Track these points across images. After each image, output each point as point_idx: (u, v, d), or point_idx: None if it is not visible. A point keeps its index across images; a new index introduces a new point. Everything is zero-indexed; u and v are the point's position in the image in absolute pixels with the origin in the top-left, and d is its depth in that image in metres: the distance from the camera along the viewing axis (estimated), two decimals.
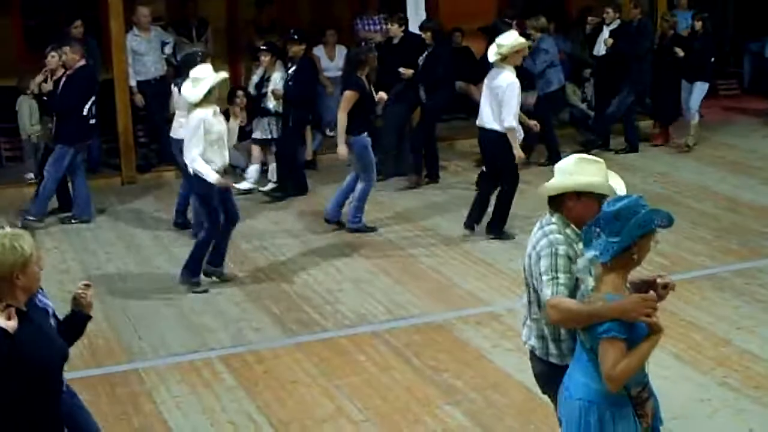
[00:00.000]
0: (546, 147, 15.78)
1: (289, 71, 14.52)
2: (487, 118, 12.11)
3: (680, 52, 16.45)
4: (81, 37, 14.90)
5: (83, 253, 12.26)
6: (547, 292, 5.56)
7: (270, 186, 14.58)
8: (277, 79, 14.44)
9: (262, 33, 17.43)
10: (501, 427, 7.93)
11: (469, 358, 9.14)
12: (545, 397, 8.22)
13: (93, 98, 13.46)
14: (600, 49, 16.76)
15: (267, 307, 10.43)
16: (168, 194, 14.53)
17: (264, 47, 14.91)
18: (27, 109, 14.91)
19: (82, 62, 13.34)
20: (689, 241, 11.87)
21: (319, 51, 16.82)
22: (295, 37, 14.67)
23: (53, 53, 13.43)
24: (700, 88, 16.70)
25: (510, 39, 12.01)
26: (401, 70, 14.99)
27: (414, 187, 14.89)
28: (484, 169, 12.79)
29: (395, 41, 15.46)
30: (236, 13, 18.43)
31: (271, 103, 14.41)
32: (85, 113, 13.32)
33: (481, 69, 14.31)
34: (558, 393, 5.70)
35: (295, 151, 14.81)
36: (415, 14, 16.21)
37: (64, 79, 13.27)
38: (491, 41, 12.81)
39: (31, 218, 13.18)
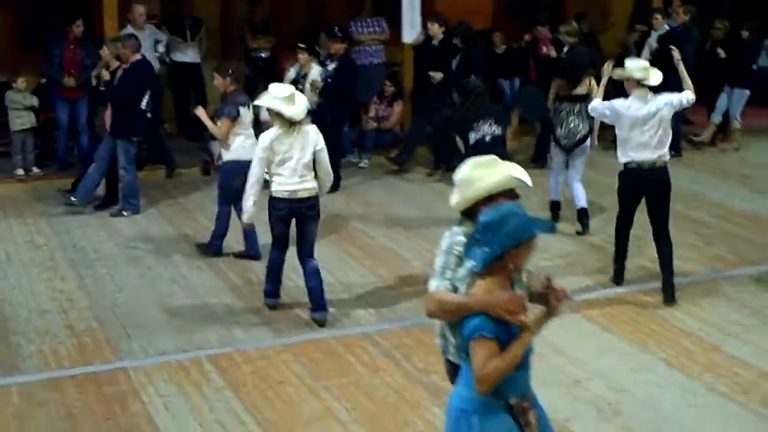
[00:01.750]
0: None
1: (329, 67, 14.62)
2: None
3: (722, 53, 16.88)
4: (81, 36, 14.93)
5: (71, 250, 12.23)
6: (431, 284, 5.59)
7: None
8: (315, 74, 14.50)
9: (256, 32, 17.51)
10: None
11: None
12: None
13: (149, 92, 13.61)
14: (645, 53, 16.84)
15: (257, 308, 10.40)
16: (158, 192, 14.56)
17: (301, 45, 14.93)
18: (16, 104, 14.89)
19: (138, 56, 13.47)
20: (680, 248, 11.80)
21: None
22: (339, 35, 14.99)
23: (105, 47, 13.72)
24: (742, 95, 17.01)
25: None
26: (431, 73, 15.11)
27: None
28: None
29: (435, 42, 15.59)
30: (230, 12, 18.45)
31: (309, 99, 14.46)
32: (143, 106, 13.49)
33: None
34: None
35: (338, 149, 14.66)
36: (411, 14, 16.25)
37: (120, 71, 13.40)
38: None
39: (74, 200, 13.67)
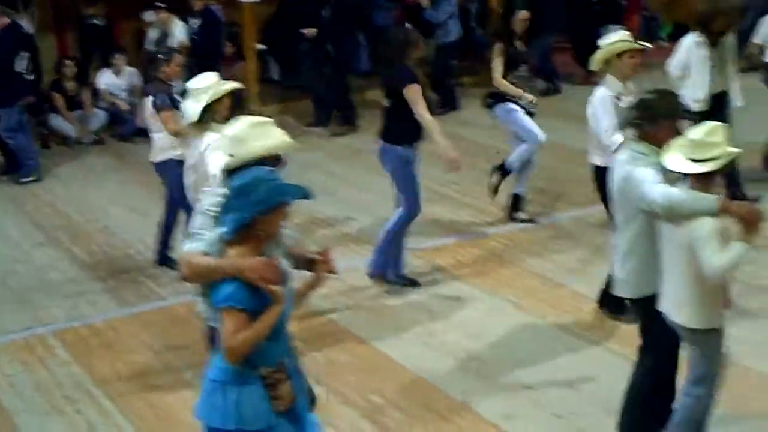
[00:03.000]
0: (440, 95, 15.94)
1: (193, 24, 14.39)
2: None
3: None
4: None
5: None
6: (185, 246, 5.38)
7: None
8: (180, 34, 14.24)
9: (90, 1, 17.06)
10: (340, 383, 7.90)
11: (307, 319, 9.03)
12: (390, 355, 8.34)
13: (27, 55, 13.32)
14: None
15: (102, 280, 10.23)
16: None
17: (160, 3, 14.75)
18: None
19: (6, 20, 13.16)
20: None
21: (149, 15, 16.44)
22: None
23: None
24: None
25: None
26: (304, 31, 15.00)
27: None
28: None
29: None
30: None
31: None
32: (20, 70, 13.23)
33: None
34: None
35: None
36: None
37: None
38: None
39: None
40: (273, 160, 5.47)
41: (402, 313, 9.12)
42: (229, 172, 5.37)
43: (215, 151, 5.60)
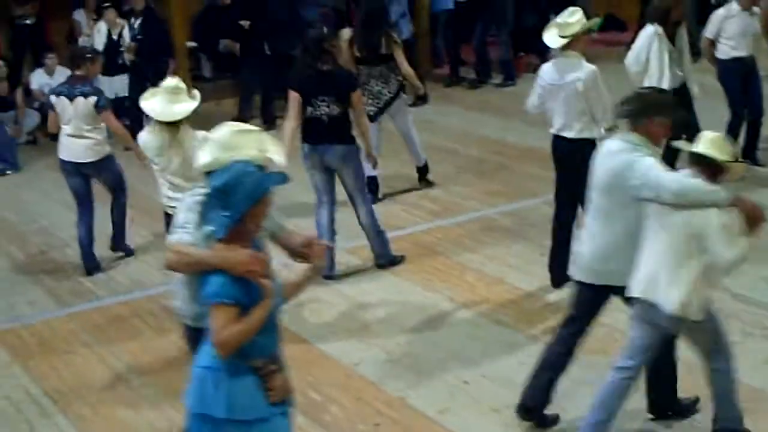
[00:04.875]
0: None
1: (135, 24, 14.36)
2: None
3: None
4: None
5: None
6: (172, 237, 5.48)
7: None
8: (127, 37, 14.28)
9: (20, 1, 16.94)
10: None
11: None
12: (324, 348, 8.38)
13: None
14: None
15: (40, 280, 10.24)
16: None
17: (106, 4, 14.80)
18: None
19: None
20: (458, 186, 12.10)
21: (79, 15, 16.41)
22: None
23: None
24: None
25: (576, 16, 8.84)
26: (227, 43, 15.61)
27: None
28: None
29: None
30: None
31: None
32: None
33: None
34: None
35: None
36: None
37: None
38: None
39: None
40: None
41: (336, 308, 9.20)
42: (207, 173, 5.40)
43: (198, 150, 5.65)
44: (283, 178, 5.16)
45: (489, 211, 11.54)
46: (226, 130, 5.52)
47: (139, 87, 13.50)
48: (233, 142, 5.42)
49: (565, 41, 8.64)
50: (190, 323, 5.86)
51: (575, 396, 7.14)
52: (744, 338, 8.16)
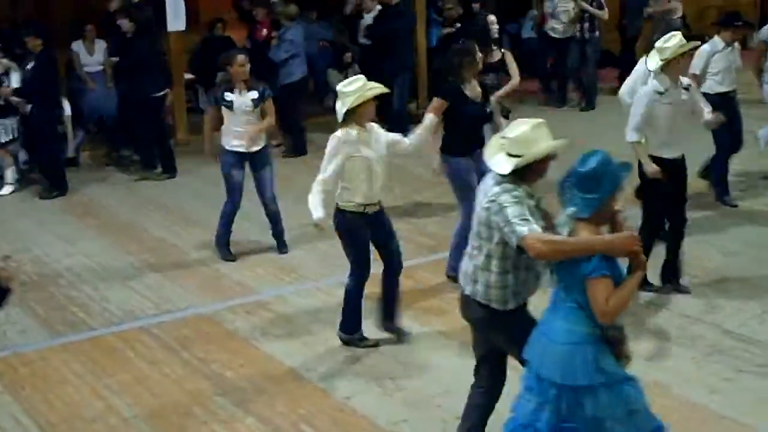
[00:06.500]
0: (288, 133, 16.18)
1: (27, 67, 14.07)
2: None
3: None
4: None
5: None
6: (522, 230, 5.80)
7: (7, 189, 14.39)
8: (15, 81, 14.07)
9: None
10: (270, 412, 7.95)
11: (238, 347, 9.13)
12: (317, 382, 8.38)
13: None
14: (360, 37, 17.05)
15: (32, 309, 10.20)
16: None
17: None
18: None
19: None
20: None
21: (78, 46, 16.44)
22: (32, 29, 14.12)
23: None
24: None
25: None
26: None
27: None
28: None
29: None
30: None
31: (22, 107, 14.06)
32: None
33: None
34: (513, 337, 6.26)
35: (55, 150, 14.40)
36: (174, 7, 16.11)
37: None
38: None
39: None
40: (551, 159, 6.10)
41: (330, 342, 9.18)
42: (516, 171, 6.00)
43: (494, 153, 6.17)
44: (630, 167, 5.85)
45: None
46: (523, 126, 6.11)
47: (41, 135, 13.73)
48: (534, 135, 6.04)
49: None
50: (481, 299, 6.34)
51: None
52: (737, 375, 8.19)
